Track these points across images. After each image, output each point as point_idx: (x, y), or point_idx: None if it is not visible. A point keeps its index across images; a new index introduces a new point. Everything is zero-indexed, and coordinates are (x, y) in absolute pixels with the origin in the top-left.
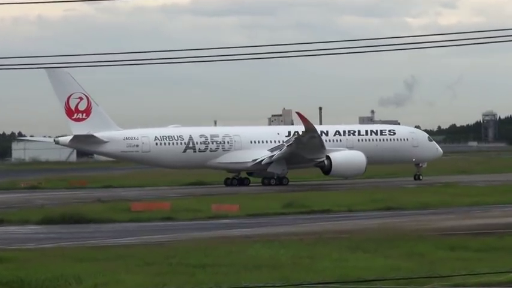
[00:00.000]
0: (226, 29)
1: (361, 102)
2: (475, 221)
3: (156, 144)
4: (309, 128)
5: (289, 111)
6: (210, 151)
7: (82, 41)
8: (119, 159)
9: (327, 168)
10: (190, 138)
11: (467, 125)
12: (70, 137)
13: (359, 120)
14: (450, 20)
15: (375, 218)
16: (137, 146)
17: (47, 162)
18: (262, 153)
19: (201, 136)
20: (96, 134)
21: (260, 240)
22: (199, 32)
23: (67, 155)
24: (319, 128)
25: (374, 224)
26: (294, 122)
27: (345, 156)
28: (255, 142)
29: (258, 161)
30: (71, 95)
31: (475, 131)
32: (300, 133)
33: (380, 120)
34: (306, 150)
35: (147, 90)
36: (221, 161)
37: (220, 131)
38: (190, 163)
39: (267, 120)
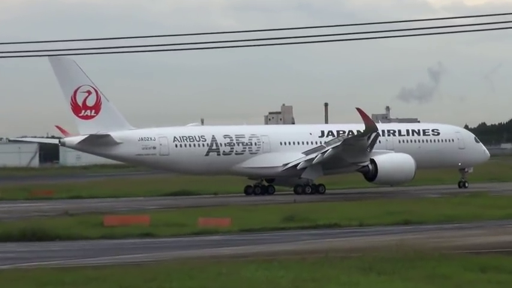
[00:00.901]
0: (214, 11)
1: (373, 97)
2: (508, 237)
3: (176, 146)
4: (371, 126)
5: (290, 108)
6: (236, 154)
7: (44, 25)
8: (132, 164)
9: (371, 174)
10: (214, 138)
11: (500, 124)
12: (80, 137)
13: (372, 118)
14: (476, 0)
15: (390, 233)
16: (154, 148)
17: (5, 168)
18: (294, 157)
19: (225, 136)
20: (111, 134)
21: (256, 260)
22: (183, 15)
23: (28, 159)
24: (349, 128)
25: (390, 241)
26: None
27: (391, 160)
28: (284, 143)
29: (290, 165)
30: (78, 88)
31: (509, 130)
32: (356, 132)
33: (397, 119)
34: (351, 152)
35: (122, 82)
36: (248, 166)
37: (246, 131)
38: (214, 168)
39: (263, 119)
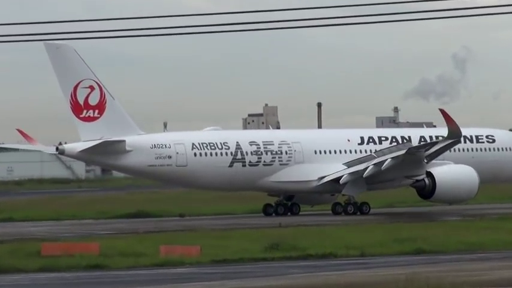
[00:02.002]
0: None
1: (377, 95)
2: None
3: (195, 154)
4: (455, 131)
5: (274, 109)
6: (264, 165)
7: None
8: (142, 177)
9: (428, 190)
10: (238, 146)
11: None
12: (85, 144)
13: (376, 121)
14: None
15: (399, 265)
16: (170, 157)
17: None
18: (331, 168)
19: (251, 143)
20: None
21: None
22: None
23: None
24: (386, 133)
25: (398, 275)
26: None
27: (452, 173)
28: (319, 152)
29: (327, 179)
30: (78, 83)
31: None
32: (436, 138)
33: (408, 122)
34: (407, 163)
35: None
36: (277, 179)
37: (275, 136)
38: (238, 182)
39: (240, 122)
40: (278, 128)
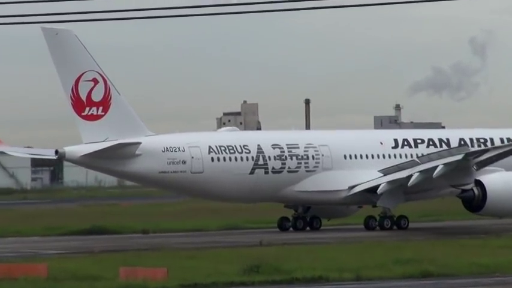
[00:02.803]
0: None
1: (376, 91)
2: None
3: (212, 159)
4: None
5: (254, 107)
6: (288, 172)
7: None
8: (152, 185)
9: (477, 201)
10: (260, 149)
11: None
12: (94, 147)
13: (375, 121)
14: None
15: None
16: (184, 162)
17: None
18: (363, 176)
19: (274, 146)
20: (129, 141)
21: None
22: None
23: None
24: (422, 135)
25: None
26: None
27: (504, 181)
28: (349, 157)
29: (358, 188)
30: (80, 76)
31: None
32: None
33: (412, 123)
34: (456, 171)
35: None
36: (302, 189)
37: (300, 138)
38: (259, 192)
39: (214, 122)
40: (259, 129)
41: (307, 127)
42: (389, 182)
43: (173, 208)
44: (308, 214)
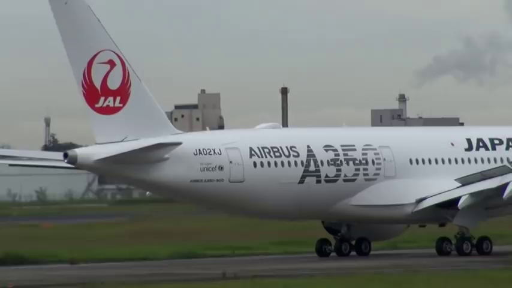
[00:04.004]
0: None
1: (374, 79)
2: None
3: (254, 164)
4: None
5: (215, 98)
6: (344, 180)
7: None
8: (180, 197)
9: None
10: (310, 152)
11: None
12: (117, 149)
13: (372, 116)
14: None
15: None
16: (221, 168)
17: None
18: (434, 186)
19: (326, 148)
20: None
21: None
22: None
23: None
24: (498, 133)
25: None
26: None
27: None
28: (416, 162)
29: (431, 202)
30: (94, 56)
31: None
32: None
33: (420, 118)
34: None
35: None
36: (361, 202)
37: (356, 138)
38: (308, 206)
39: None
40: (221, 126)
41: (284, 123)
42: (473, 194)
43: (110, 230)
44: (353, 235)
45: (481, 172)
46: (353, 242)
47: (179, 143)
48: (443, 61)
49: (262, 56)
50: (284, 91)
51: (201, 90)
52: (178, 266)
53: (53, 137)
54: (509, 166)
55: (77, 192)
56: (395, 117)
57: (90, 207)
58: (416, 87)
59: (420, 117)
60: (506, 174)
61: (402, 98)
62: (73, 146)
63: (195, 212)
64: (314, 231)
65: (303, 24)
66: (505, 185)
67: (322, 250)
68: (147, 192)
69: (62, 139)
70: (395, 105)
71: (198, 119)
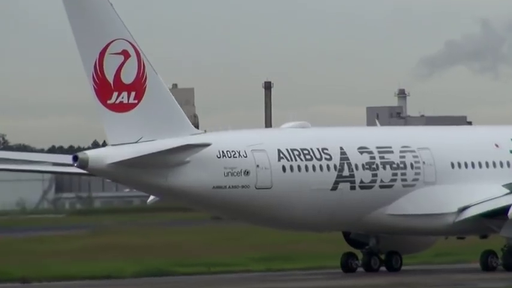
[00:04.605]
0: None
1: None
2: None
3: (284, 169)
4: None
5: (188, 93)
6: (381, 186)
7: None
8: (200, 205)
9: None
10: (343, 154)
11: None
12: (139, 149)
13: (368, 114)
14: None
15: None
16: (247, 173)
17: None
18: (478, 193)
19: (361, 150)
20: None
21: None
22: None
23: None
24: (504, 133)
25: None
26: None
27: None
28: (458, 165)
29: (476, 211)
30: (107, 46)
31: None
32: None
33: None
34: None
35: None
36: (399, 212)
37: (393, 138)
38: (341, 216)
39: None
40: (195, 125)
41: (268, 122)
42: None
43: (68, 244)
44: (382, 248)
45: None
46: (382, 256)
47: (208, 144)
48: (449, 52)
49: (242, 46)
50: (268, 86)
51: (173, 84)
52: (146, 285)
53: (3, 138)
54: None
55: (30, 201)
56: (394, 115)
57: (46, 218)
58: (417, 82)
59: (422, 115)
60: None
61: (402, 94)
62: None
63: (166, 224)
64: (302, 245)
65: (288, 7)
66: None
67: (348, 265)
68: (148, 200)
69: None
70: (393, 101)
71: None
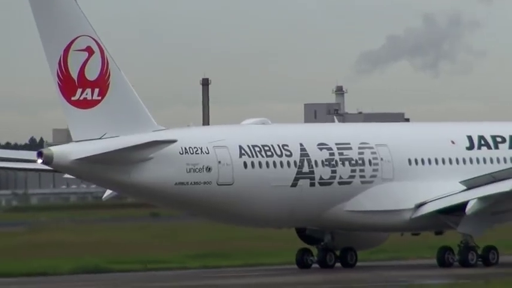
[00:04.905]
0: None
1: (306, 68)
2: None
3: (245, 165)
4: None
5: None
6: (340, 183)
7: None
8: (162, 203)
9: None
10: (303, 151)
11: None
12: (104, 145)
13: (305, 111)
14: None
15: None
16: (209, 169)
17: None
18: (435, 189)
19: (320, 146)
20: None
21: None
22: None
23: None
24: (499, 130)
25: None
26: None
27: None
28: (415, 162)
29: (432, 208)
30: (71, 43)
31: None
32: None
33: (360, 113)
34: None
35: None
36: (357, 208)
37: (351, 134)
38: (301, 212)
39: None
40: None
41: (206, 120)
42: (482, 199)
43: (3, 241)
44: (337, 245)
45: (490, 174)
46: (337, 253)
47: (175, 141)
48: (390, 47)
49: (180, 43)
50: (205, 82)
51: None
52: (82, 282)
53: None
54: None
55: None
56: (332, 112)
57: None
58: (357, 78)
59: (360, 112)
60: None
61: (340, 91)
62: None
63: (103, 221)
64: (238, 242)
65: (223, 3)
66: None
67: (303, 261)
68: (103, 196)
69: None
70: (331, 98)
71: None
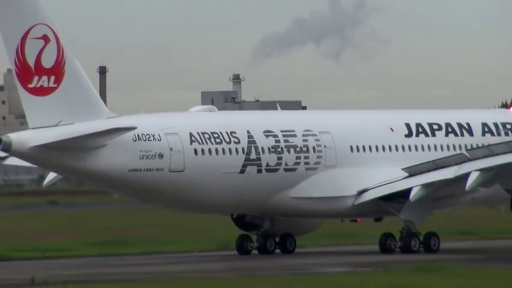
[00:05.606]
0: None
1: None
2: None
3: (195, 152)
4: None
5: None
6: (285, 170)
7: None
8: (117, 188)
9: None
10: (251, 138)
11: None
12: (63, 132)
13: (202, 99)
14: None
15: None
16: (161, 156)
17: None
18: (376, 176)
19: (267, 134)
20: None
21: None
22: None
23: None
24: (436, 118)
25: None
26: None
27: None
28: (357, 149)
29: (375, 194)
30: (28, 31)
31: None
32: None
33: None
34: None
35: None
36: (301, 195)
37: (295, 122)
38: (248, 199)
39: None
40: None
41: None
42: (425, 186)
43: None
44: (276, 231)
45: (432, 161)
46: (277, 239)
47: (134, 128)
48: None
49: (76, 29)
50: (102, 70)
51: (8, 69)
52: None
53: None
54: (467, 155)
55: None
56: (229, 100)
57: None
58: (255, 65)
59: (257, 100)
60: (462, 163)
61: (237, 79)
62: None
63: (2, 208)
64: (139, 230)
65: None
66: (465, 176)
67: (243, 247)
68: (44, 183)
69: None
70: (228, 86)
71: (4, 102)
